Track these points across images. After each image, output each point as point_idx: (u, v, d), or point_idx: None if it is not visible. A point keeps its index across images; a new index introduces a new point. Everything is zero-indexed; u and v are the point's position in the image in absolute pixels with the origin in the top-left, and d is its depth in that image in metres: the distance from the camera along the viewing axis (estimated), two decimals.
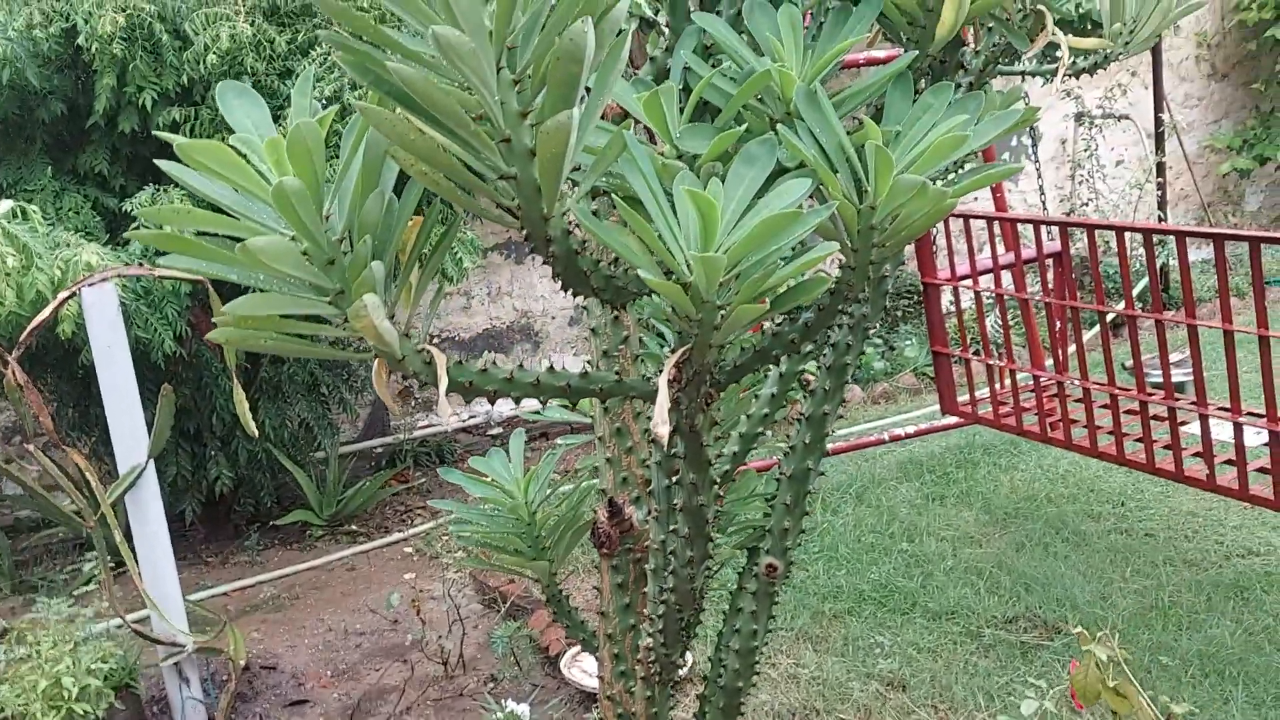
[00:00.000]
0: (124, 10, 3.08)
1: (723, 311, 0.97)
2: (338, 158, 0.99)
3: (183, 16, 3.20)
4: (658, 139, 1.15)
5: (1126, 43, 1.72)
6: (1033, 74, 1.77)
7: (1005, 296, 3.60)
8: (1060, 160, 7.22)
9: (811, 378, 1.51)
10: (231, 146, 0.94)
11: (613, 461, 1.84)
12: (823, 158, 1.07)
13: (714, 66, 1.23)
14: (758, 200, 1.01)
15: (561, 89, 0.89)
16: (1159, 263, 6.35)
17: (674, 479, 1.36)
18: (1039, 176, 6.00)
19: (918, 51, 1.14)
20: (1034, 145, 6.14)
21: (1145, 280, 5.67)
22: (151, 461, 2.84)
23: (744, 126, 1.08)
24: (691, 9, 1.19)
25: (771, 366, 1.57)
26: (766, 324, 1.20)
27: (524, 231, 1.01)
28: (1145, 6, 1.67)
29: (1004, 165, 1.07)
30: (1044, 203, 6.23)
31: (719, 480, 1.63)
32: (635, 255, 0.95)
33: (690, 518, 1.36)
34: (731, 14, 1.33)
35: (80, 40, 3.18)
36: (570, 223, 1.02)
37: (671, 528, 1.39)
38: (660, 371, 1.03)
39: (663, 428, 0.96)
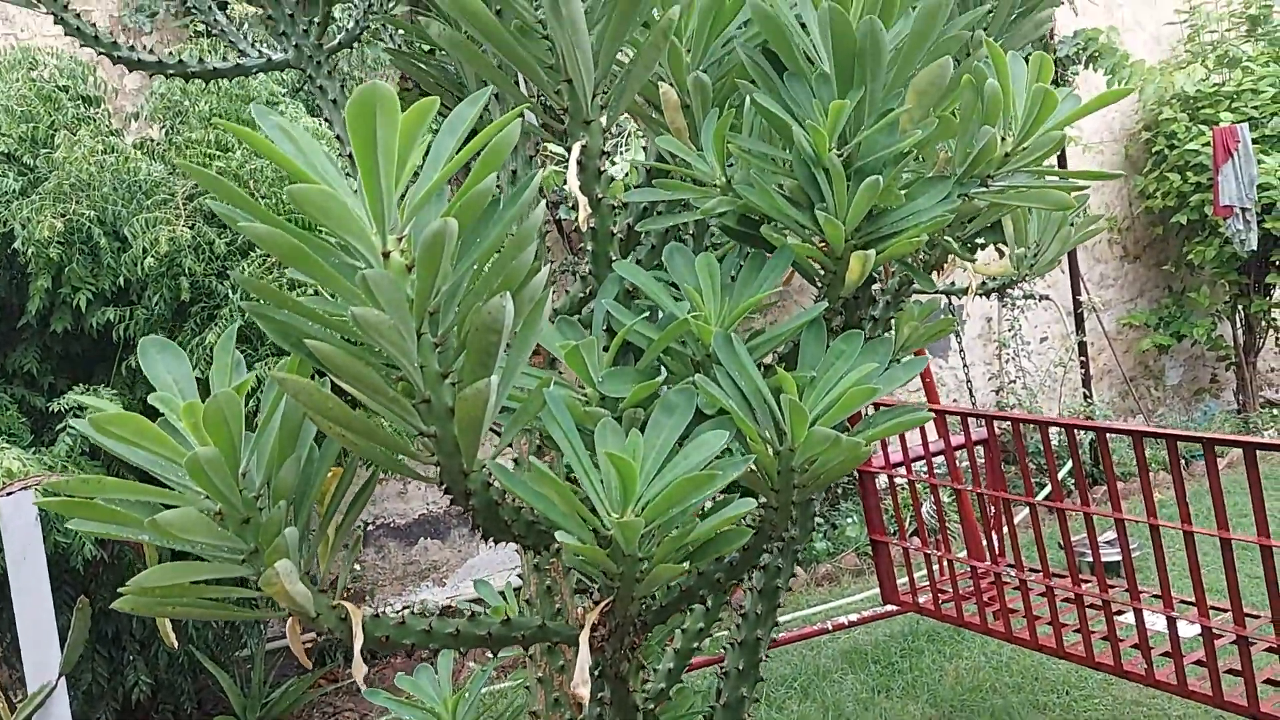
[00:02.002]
0: (63, 216, 3.11)
1: (644, 564, 0.97)
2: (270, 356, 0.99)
3: (122, 220, 3.24)
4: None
5: (1031, 265, 1.81)
6: (945, 293, 1.85)
7: (938, 485, 3.64)
8: (987, 338, 7.46)
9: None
10: (151, 406, 0.94)
11: (544, 681, 1.79)
12: (742, 402, 1.09)
13: (636, 299, 1.27)
14: (678, 449, 1.03)
15: (480, 356, 0.90)
16: (1089, 436, 6.50)
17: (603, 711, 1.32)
18: (963, 355, 6.19)
19: (827, 304, 1.18)
20: (960, 311, 6.35)
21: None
22: (63, 678, 2.70)
23: (663, 378, 1.10)
24: (613, 257, 1.23)
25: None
26: None
27: (443, 486, 1.01)
28: (1047, 233, 1.76)
29: (916, 411, 1.11)
30: (969, 379, 6.41)
31: (654, 701, 1.59)
32: (556, 513, 0.95)
33: None
34: (647, 255, 1.38)
35: (17, 244, 3.19)
36: (489, 475, 1.02)
37: None
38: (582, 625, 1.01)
39: (582, 689, 0.94)
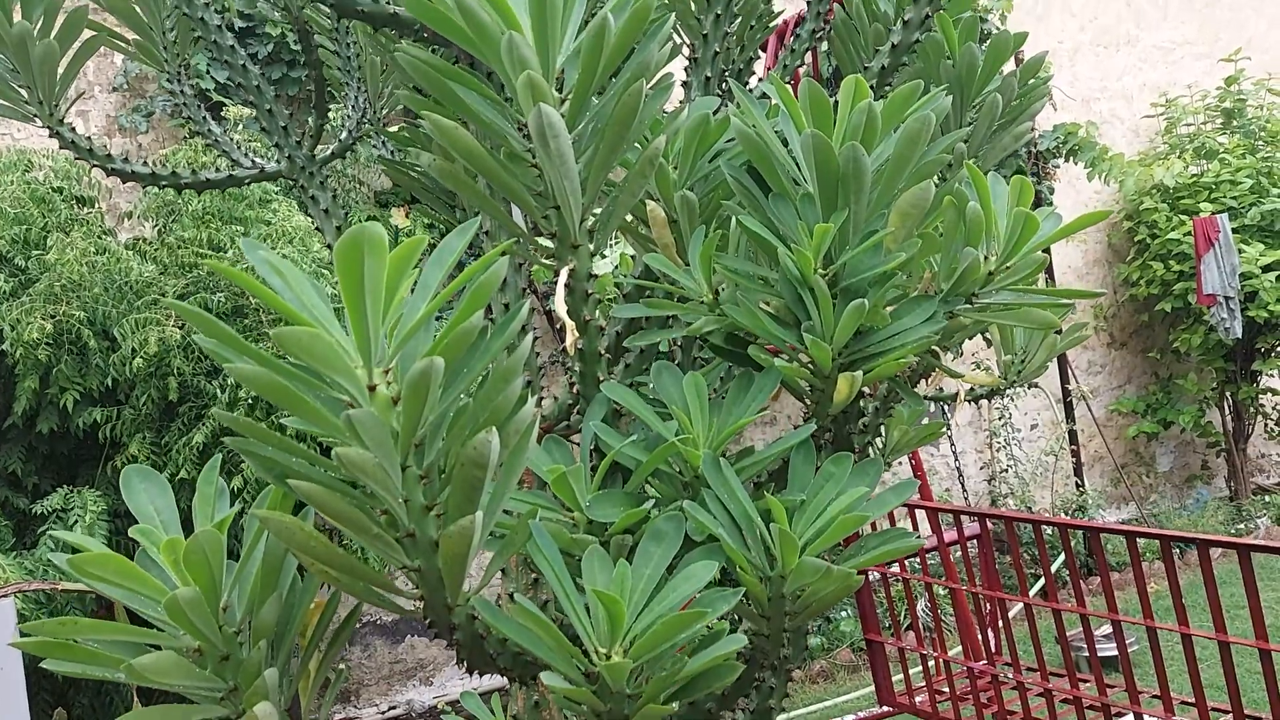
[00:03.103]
0: (53, 318, 3.12)
1: (630, 698, 0.95)
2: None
3: (112, 321, 3.24)
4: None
5: (1019, 371, 1.82)
6: (933, 399, 1.85)
7: (932, 583, 3.60)
8: (978, 425, 7.47)
9: None
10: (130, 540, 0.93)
11: None
12: (731, 528, 1.08)
13: (623, 416, 1.27)
14: (667, 578, 1.02)
15: (465, 490, 0.90)
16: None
17: None
18: (953, 443, 6.19)
19: (816, 425, 1.18)
20: (949, 413, 6.35)
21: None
22: None
23: (652, 503, 1.09)
24: (601, 378, 1.23)
25: None
26: None
27: (427, 620, 0.99)
28: (1033, 340, 1.78)
29: (907, 538, 1.10)
30: (960, 468, 6.39)
31: None
32: (543, 650, 0.94)
33: None
34: (637, 359, 1.39)
35: (5, 346, 3.19)
36: (474, 609, 1.01)
37: None
38: None
39: None
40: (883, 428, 1.98)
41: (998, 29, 6.95)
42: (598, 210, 1.23)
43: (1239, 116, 7.51)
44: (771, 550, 1.05)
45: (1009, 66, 1.87)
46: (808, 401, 1.27)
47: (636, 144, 1.32)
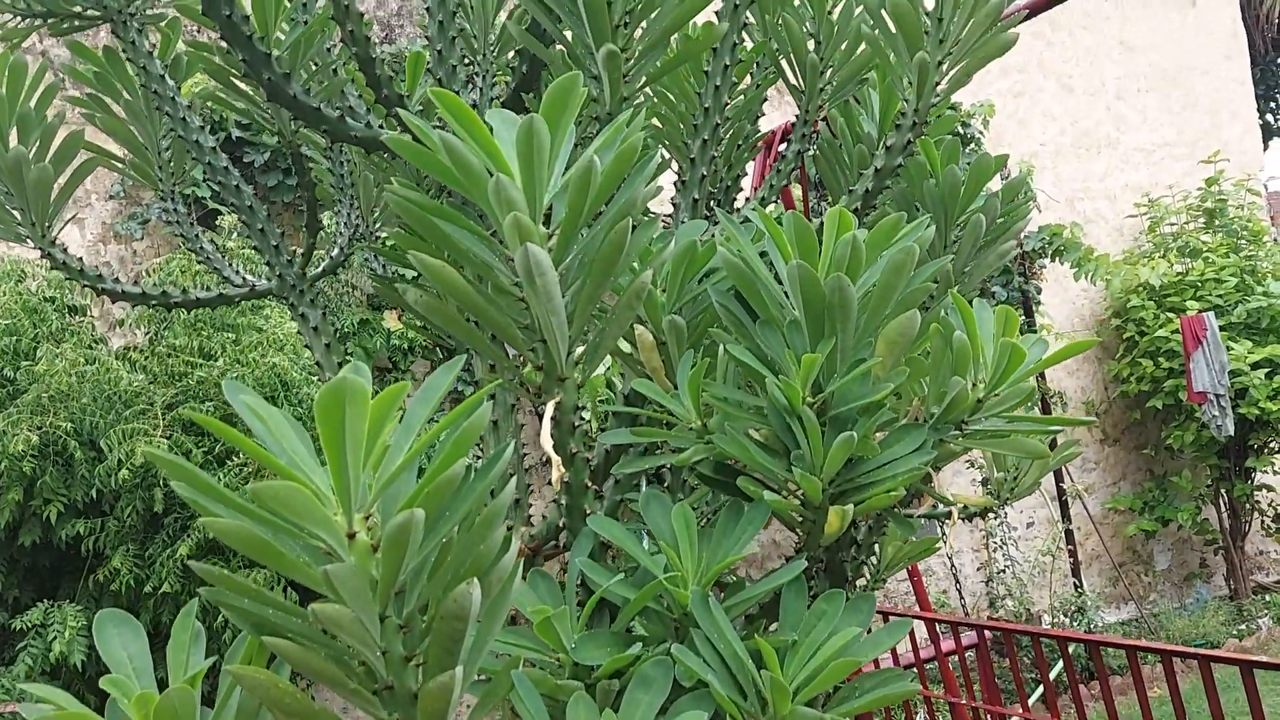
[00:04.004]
0: (39, 429, 3.10)
1: None
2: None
3: (99, 431, 3.22)
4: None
5: (1012, 489, 1.80)
6: (927, 517, 1.83)
7: (932, 696, 3.53)
8: (974, 525, 7.41)
9: None
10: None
11: None
12: (721, 670, 1.05)
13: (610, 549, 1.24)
14: None
15: (446, 643, 0.87)
16: (1080, 627, 6.37)
17: None
18: (948, 543, 6.12)
19: (805, 562, 1.16)
20: (944, 531, 6.31)
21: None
22: None
23: (639, 646, 1.07)
24: (588, 510, 1.22)
25: None
26: None
27: None
28: (1024, 458, 1.76)
29: (902, 680, 1.07)
30: (955, 569, 6.31)
31: None
32: None
33: None
34: (615, 501, 1.37)
35: None
36: None
37: None
38: None
39: None
40: (877, 545, 1.95)
41: (981, 133, 7.11)
42: (587, 340, 1.23)
43: (1221, 216, 7.65)
44: (763, 694, 1.03)
45: (997, 184, 1.90)
46: (798, 532, 1.25)
47: (631, 267, 1.33)
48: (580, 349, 1.19)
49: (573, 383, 1.17)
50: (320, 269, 2.15)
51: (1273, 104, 15.61)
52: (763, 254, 1.35)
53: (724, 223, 1.36)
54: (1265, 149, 12.03)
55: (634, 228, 1.18)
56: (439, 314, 1.13)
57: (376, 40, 5.94)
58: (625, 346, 1.47)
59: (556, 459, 1.16)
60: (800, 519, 1.23)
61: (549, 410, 1.15)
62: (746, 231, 1.41)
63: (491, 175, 1.04)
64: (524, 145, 1.04)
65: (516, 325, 1.15)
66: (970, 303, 1.33)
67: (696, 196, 1.81)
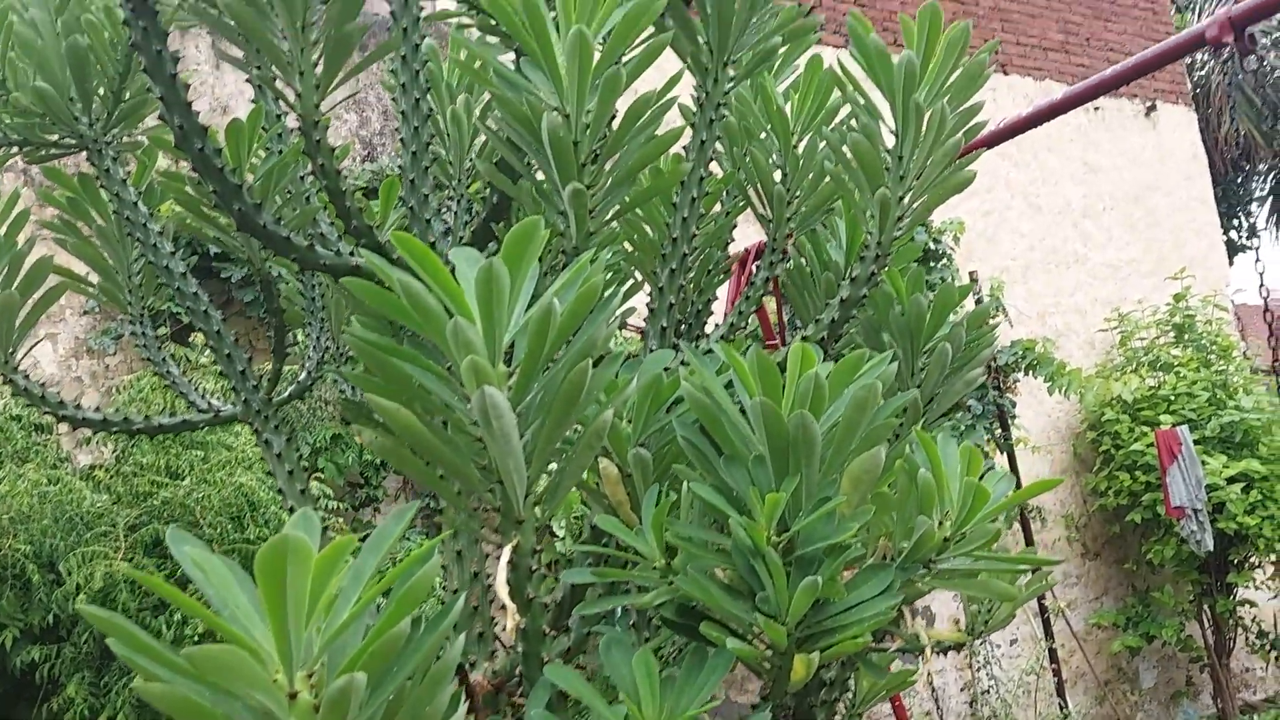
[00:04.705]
0: None
1: None
2: None
3: (59, 554, 3.15)
4: None
5: (985, 622, 1.77)
6: (900, 651, 1.80)
7: None
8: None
9: None
10: None
11: None
12: None
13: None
14: None
15: None
16: None
17: None
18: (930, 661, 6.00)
19: (770, 715, 1.12)
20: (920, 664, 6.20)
21: None
22: None
23: None
24: (545, 656, 1.18)
25: None
26: None
27: None
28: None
29: None
30: (935, 691, 6.18)
31: None
32: None
33: None
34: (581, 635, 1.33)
35: None
36: None
37: None
38: None
39: None
40: (850, 679, 1.91)
41: (952, 249, 7.25)
42: (549, 475, 1.21)
43: (1189, 331, 7.77)
44: None
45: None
46: (764, 679, 1.22)
47: (599, 398, 1.32)
48: (540, 488, 1.17)
49: (530, 525, 1.14)
50: (288, 393, 2.13)
51: (1235, 221, 16.05)
52: (729, 385, 1.35)
53: (688, 355, 1.36)
54: (1231, 264, 12.32)
55: (598, 363, 1.18)
56: (394, 455, 1.12)
57: (359, 158, 6.04)
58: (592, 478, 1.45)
59: (511, 606, 1.13)
60: (767, 665, 1.20)
61: (505, 554, 1.12)
62: (712, 363, 1.41)
63: (452, 316, 1.04)
64: (483, 288, 1.04)
65: (475, 465, 1.14)
66: (937, 436, 1.33)
67: (665, 324, 1.82)
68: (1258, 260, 3.69)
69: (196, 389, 2.18)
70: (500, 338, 1.08)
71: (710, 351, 1.58)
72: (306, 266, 1.82)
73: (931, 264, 6.97)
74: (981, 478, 1.29)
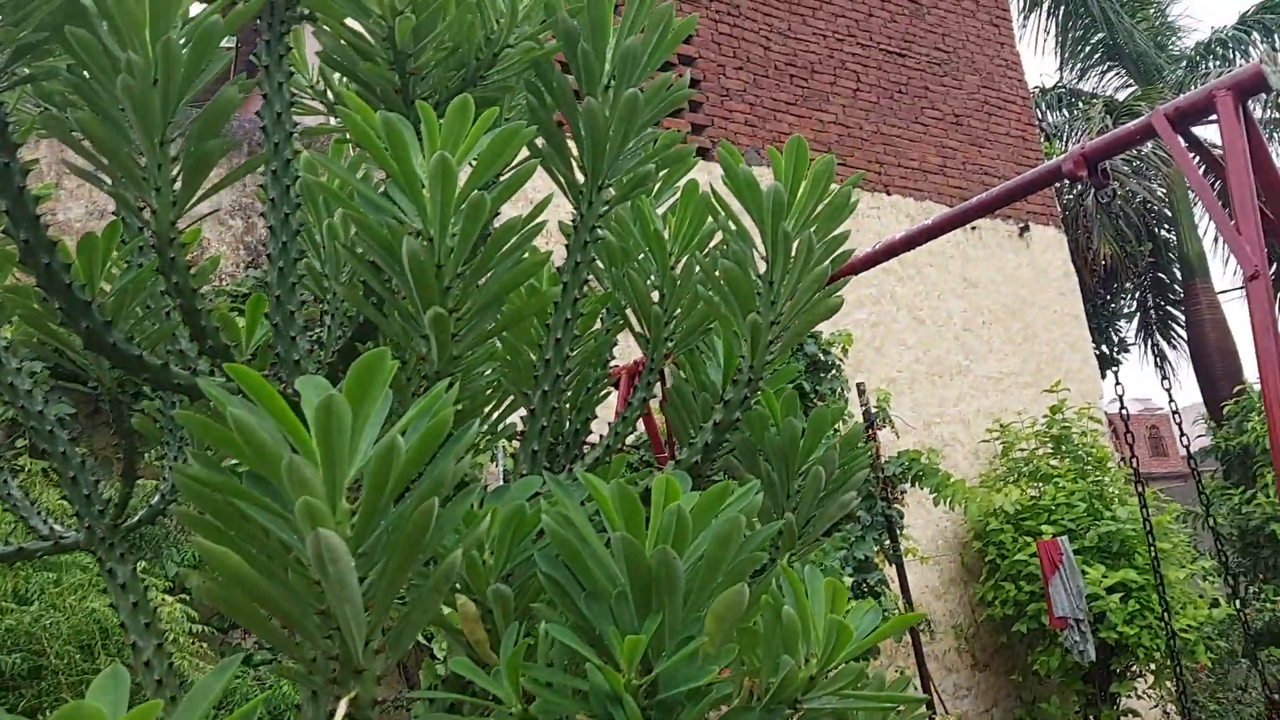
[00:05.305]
0: None
1: None
2: None
3: None
4: None
5: None
6: None
7: None
8: None
9: None
10: None
11: None
12: None
13: None
14: None
15: None
16: None
17: None
18: None
19: None
20: None
21: None
22: None
23: None
24: None
25: None
26: None
27: None
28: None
29: None
30: None
31: None
32: None
33: None
34: None
35: None
36: None
37: None
38: None
39: None
40: None
41: (840, 360, 7.40)
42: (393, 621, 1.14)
43: (1066, 442, 8.03)
44: None
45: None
46: None
47: (457, 529, 1.26)
48: (383, 635, 1.10)
49: (371, 675, 1.07)
50: (138, 518, 2.01)
51: (1105, 336, 16.88)
52: (595, 515, 1.31)
53: (551, 485, 1.32)
54: (1104, 377, 12.88)
55: (449, 500, 1.12)
56: (223, 602, 1.04)
57: (243, 264, 5.92)
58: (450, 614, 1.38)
59: None
60: None
61: (341, 707, 1.04)
62: (578, 490, 1.37)
63: (292, 452, 0.98)
64: (322, 423, 0.99)
65: (314, 610, 1.06)
66: (806, 569, 1.30)
67: (536, 449, 1.77)
68: (1117, 384, 3.83)
69: (44, 509, 2.04)
70: (343, 475, 1.02)
71: (575, 480, 1.54)
72: (160, 387, 1.73)
73: (821, 374, 7.10)
74: (848, 613, 1.26)
